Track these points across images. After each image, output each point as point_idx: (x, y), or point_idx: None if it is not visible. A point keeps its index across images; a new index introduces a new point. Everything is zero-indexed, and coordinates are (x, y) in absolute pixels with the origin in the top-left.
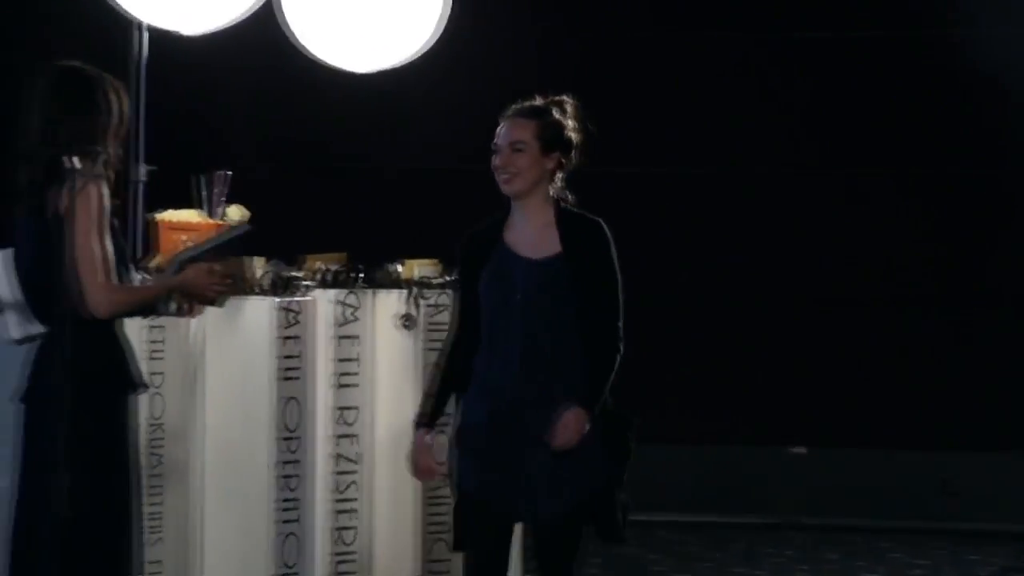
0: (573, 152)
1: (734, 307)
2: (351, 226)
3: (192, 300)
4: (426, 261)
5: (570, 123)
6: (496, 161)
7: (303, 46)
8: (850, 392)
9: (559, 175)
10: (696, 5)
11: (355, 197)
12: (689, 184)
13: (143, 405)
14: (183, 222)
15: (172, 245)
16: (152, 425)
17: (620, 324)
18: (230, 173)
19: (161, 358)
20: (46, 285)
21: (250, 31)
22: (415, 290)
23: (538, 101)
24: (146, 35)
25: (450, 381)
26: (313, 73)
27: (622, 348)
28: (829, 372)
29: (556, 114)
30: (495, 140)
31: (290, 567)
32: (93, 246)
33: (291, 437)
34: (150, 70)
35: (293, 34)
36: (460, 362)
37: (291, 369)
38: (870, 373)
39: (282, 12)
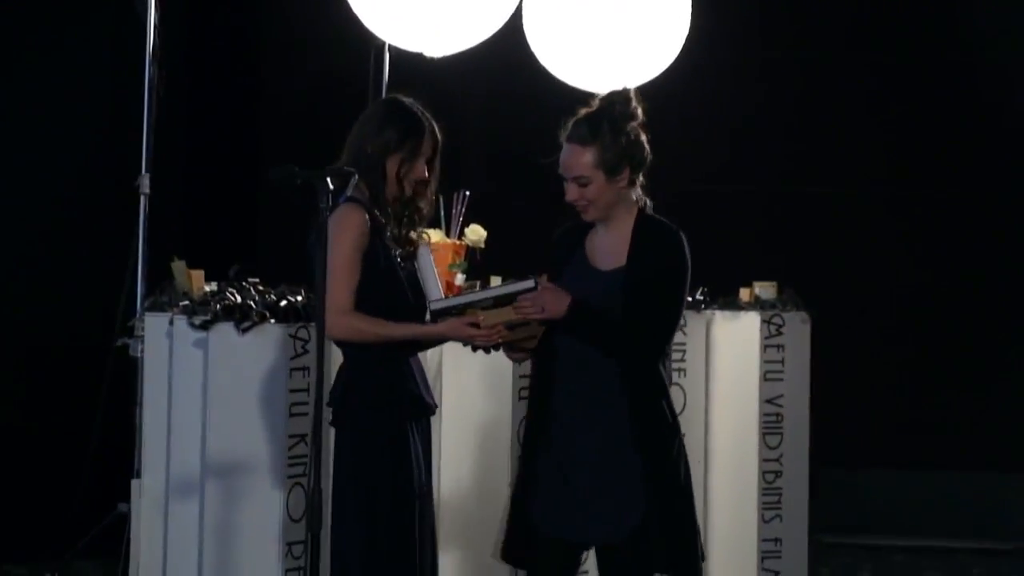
0: (644, 156)
1: (990, 325)
2: None
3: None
4: None
5: (631, 129)
6: (567, 196)
7: (545, 67)
8: None
9: (639, 178)
10: None
11: None
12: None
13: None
14: None
15: None
16: None
17: (656, 331)
18: (468, 193)
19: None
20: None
21: (485, 51)
22: None
23: (594, 104)
24: (387, 56)
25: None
26: (550, 93)
27: (643, 350)
28: None
29: (612, 127)
30: (559, 168)
31: None
32: (338, 267)
33: None
34: (388, 90)
35: (536, 55)
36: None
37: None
38: None
39: (525, 34)
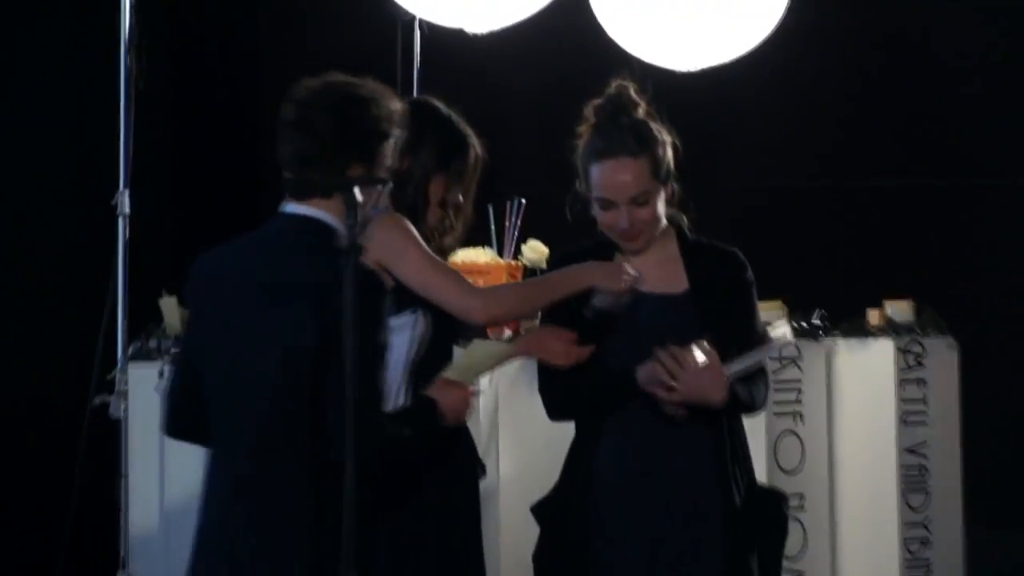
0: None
1: None
2: None
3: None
4: (765, 303)
5: (661, 129)
6: (619, 223)
7: (614, 40)
8: None
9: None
10: None
11: None
12: None
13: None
14: (468, 263)
15: None
16: None
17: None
18: (523, 201)
19: None
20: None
21: (540, 24)
22: None
23: (602, 108)
24: (417, 33)
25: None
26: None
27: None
28: None
29: (654, 130)
30: (599, 192)
31: None
32: (428, 258)
33: None
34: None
35: (603, 25)
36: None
37: None
38: None
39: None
